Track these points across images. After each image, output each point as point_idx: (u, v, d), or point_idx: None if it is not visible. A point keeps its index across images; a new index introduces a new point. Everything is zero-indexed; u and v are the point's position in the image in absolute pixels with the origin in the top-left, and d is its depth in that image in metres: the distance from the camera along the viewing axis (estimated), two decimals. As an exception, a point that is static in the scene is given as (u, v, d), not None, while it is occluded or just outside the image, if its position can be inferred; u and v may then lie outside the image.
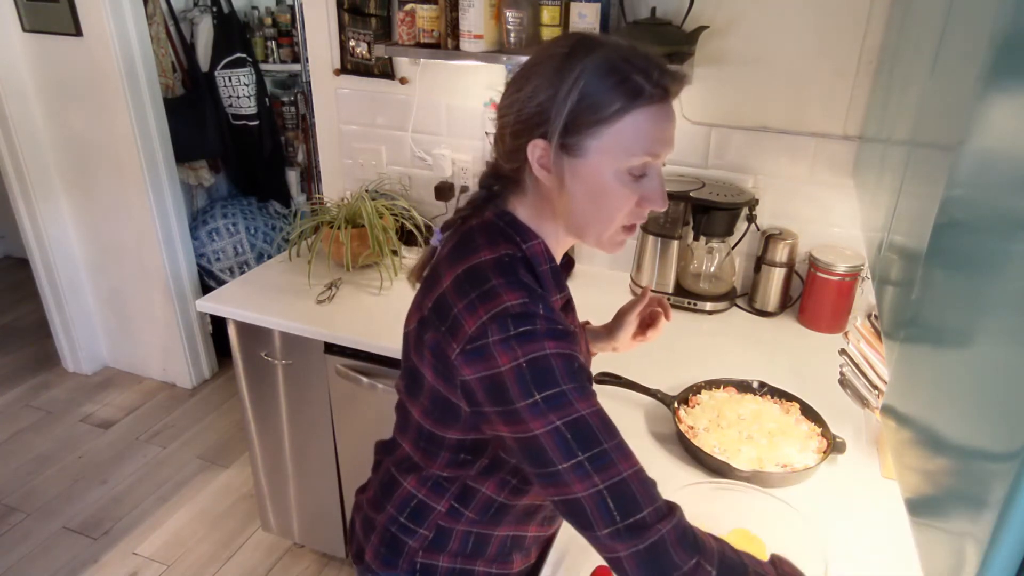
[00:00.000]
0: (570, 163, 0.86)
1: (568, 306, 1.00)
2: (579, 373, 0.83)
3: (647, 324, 1.28)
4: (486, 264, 0.88)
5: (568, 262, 1.09)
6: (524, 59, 0.92)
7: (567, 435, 0.80)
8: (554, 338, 0.82)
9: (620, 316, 1.27)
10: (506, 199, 0.96)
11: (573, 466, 0.80)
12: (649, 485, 0.84)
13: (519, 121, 0.87)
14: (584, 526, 0.83)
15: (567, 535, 1.22)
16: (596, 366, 1.52)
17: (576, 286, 2.01)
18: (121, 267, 3.15)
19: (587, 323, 1.31)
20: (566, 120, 0.83)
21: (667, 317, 1.25)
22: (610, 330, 1.27)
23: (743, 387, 1.54)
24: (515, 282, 0.86)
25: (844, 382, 1.44)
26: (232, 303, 1.97)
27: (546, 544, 1.21)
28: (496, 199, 0.96)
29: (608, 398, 1.31)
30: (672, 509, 0.84)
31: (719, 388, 1.55)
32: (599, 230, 0.92)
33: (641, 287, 2.00)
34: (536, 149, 0.87)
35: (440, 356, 0.88)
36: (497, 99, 1.13)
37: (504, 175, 0.95)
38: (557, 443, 0.80)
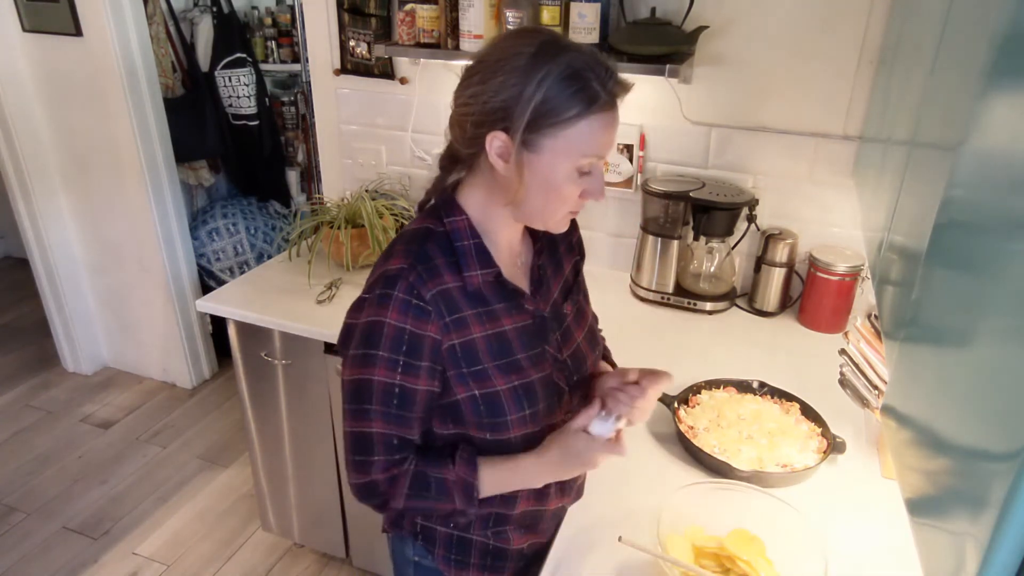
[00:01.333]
0: (528, 157, 0.93)
1: (500, 282, 1.04)
2: (407, 347, 0.96)
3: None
4: (406, 234, 1.04)
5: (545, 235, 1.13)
6: (483, 49, 0.97)
7: (353, 388, 1.00)
8: (399, 310, 0.95)
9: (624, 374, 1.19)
10: (461, 180, 1.05)
11: (348, 410, 1.01)
12: (388, 449, 1.01)
13: (483, 112, 0.92)
14: (345, 451, 1.05)
15: (564, 542, 1.22)
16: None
17: (576, 286, 2.01)
18: (121, 267, 3.15)
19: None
20: (528, 119, 0.90)
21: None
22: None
23: (743, 387, 1.54)
24: (409, 250, 0.99)
25: (844, 382, 1.44)
26: (232, 303, 1.97)
27: (553, 527, 1.24)
28: (451, 177, 1.06)
29: (608, 398, 1.31)
30: (398, 464, 1.03)
31: (719, 388, 1.55)
32: (545, 217, 1.01)
33: (643, 287, 2.00)
34: (496, 140, 0.93)
35: None
36: None
37: (460, 158, 1.03)
38: (348, 391, 1.01)
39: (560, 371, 1.10)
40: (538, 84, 0.88)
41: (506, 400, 1.03)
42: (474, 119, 0.94)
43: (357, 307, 1.00)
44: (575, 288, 1.20)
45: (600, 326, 1.34)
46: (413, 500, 1.04)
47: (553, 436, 1.04)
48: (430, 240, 1.00)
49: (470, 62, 0.97)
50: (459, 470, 1.02)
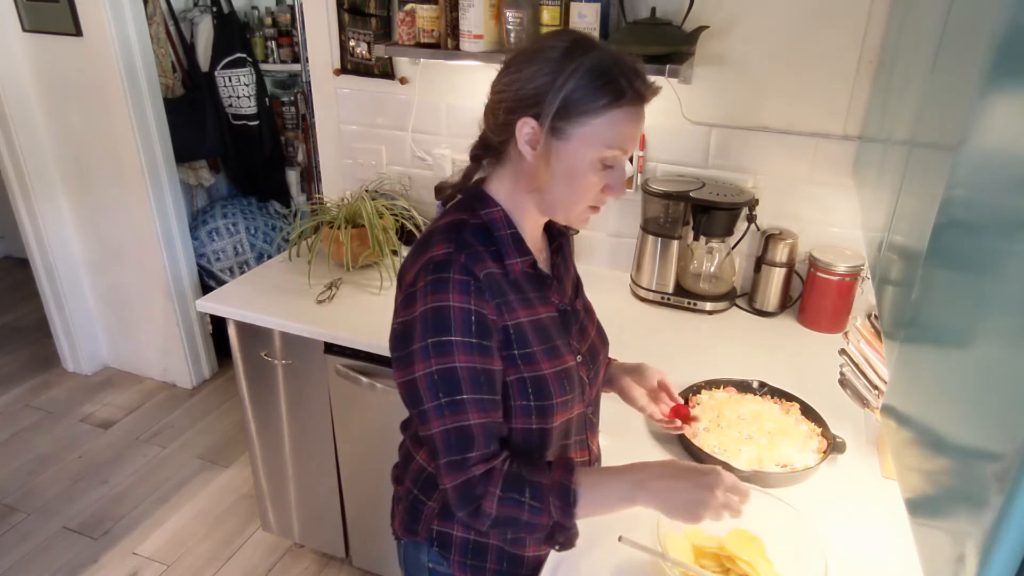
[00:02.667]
0: (555, 144, 0.96)
1: (536, 269, 1.07)
2: (477, 328, 0.95)
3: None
4: (439, 227, 1.03)
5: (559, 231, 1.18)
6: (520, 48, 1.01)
7: (436, 379, 0.95)
8: (460, 291, 0.95)
9: (633, 397, 1.29)
10: (489, 169, 1.07)
11: (433, 408, 0.96)
12: (489, 438, 0.98)
13: (516, 99, 0.96)
14: (434, 455, 0.99)
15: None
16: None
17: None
18: (121, 267, 3.15)
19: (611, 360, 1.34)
20: (558, 106, 0.93)
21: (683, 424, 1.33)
22: (635, 371, 1.32)
23: (743, 387, 1.54)
24: (449, 238, 0.99)
25: (844, 382, 1.44)
26: (232, 303, 1.97)
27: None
28: (480, 169, 1.07)
29: (608, 398, 1.31)
30: (495, 456, 0.98)
31: (719, 388, 1.55)
32: (567, 208, 1.02)
33: (643, 287, 2.00)
34: (525, 126, 0.96)
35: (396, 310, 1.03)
36: None
37: (491, 146, 1.04)
38: (428, 385, 0.96)
39: (582, 364, 1.13)
40: (569, 74, 0.92)
41: (552, 384, 1.03)
42: (507, 105, 0.97)
43: (407, 303, 0.97)
44: (580, 283, 1.24)
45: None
46: (506, 505, 0.97)
47: (677, 467, 1.01)
48: (466, 230, 1.01)
49: (509, 55, 1.01)
50: (556, 474, 0.98)
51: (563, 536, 1.00)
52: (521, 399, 1.02)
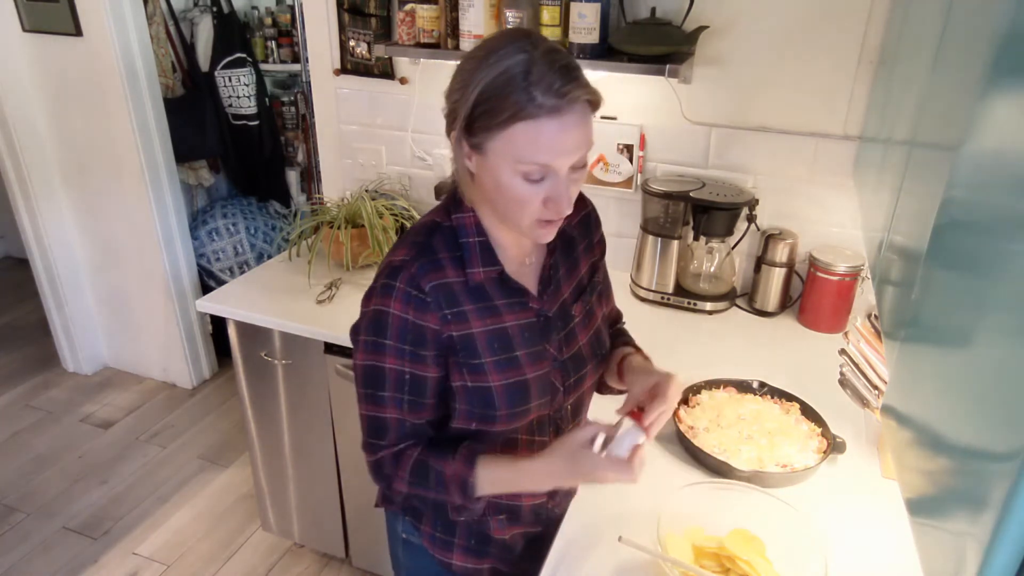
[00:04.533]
0: (478, 159, 0.96)
1: (503, 280, 1.05)
2: (412, 337, 1.00)
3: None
4: (417, 225, 1.07)
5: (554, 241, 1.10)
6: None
7: (365, 374, 1.04)
8: (402, 301, 0.99)
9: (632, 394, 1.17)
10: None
11: (362, 394, 1.05)
12: (402, 435, 1.06)
13: (446, 115, 0.98)
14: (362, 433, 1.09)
15: (564, 542, 1.22)
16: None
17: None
18: (121, 267, 3.15)
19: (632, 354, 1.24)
20: (464, 121, 0.93)
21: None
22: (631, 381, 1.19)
23: (743, 387, 1.54)
24: (415, 243, 1.02)
25: (844, 382, 1.44)
26: (232, 303, 1.97)
27: (546, 521, 1.24)
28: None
29: (609, 398, 1.31)
30: (402, 450, 1.07)
31: (719, 388, 1.55)
32: (515, 220, 0.99)
33: (643, 287, 2.00)
34: (454, 142, 0.97)
35: None
36: None
37: None
38: (360, 375, 1.05)
39: (558, 371, 1.11)
40: (475, 85, 0.90)
41: (498, 396, 1.04)
42: (446, 122, 0.99)
43: (366, 296, 1.04)
44: (589, 289, 1.18)
45: (624, 321, 1.37)
46: (415, 487, 1.06)
47: (560, 446, 1.01)
48: (436, 234, 1.03)
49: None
50: (457, 465, 1.03)
51: (466, 513, 1.11)
52: (464, 403, 1.05)
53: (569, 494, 1.29)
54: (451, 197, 1.06)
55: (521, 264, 1.09)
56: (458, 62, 0.97)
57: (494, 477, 1.05)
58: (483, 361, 1.03)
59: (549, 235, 1.01)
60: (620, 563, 1.15)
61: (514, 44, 0.91)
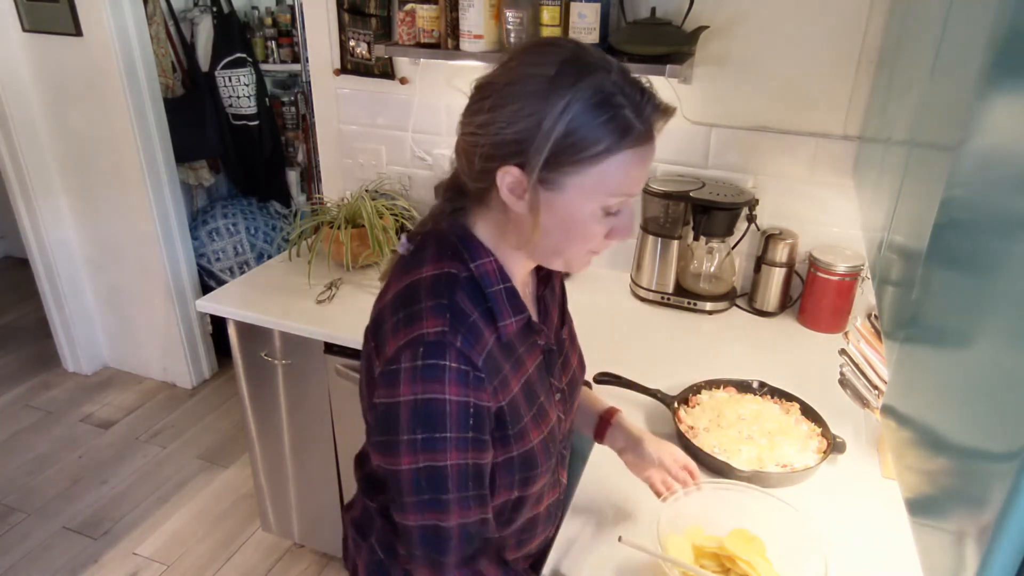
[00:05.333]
0: (546, 196, 0.81)
1: (529, 325, 0.95)
2: (475, 422, 0.84)
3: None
4: (424, 282, 0.87)
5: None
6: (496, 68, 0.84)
7: (424, 477, 0.84)
8: (458, 383, 0.82)
9: (647, 461, 1.17)
10: (468, 212, 0.92)
11: (412, 503, 0.86)
12: (467, 540, 0.88)
13: (493, 145, 0.80)
14: (404, 543, 0.90)
15: (564, 542, 1.22)
16: (597, 370, 1.52)
17: (574, 285, 2.01)
18: (121, 267, 3.15)
19: (617, 411, 1.24)
20: (547, 155, 0.78)
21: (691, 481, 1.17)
22: (635, 448, 1.17)
23: (743, 387, 1.54)
24: (441, 307, 0.84)
25: (844, 382, 1.44)
26: (232, 303, 1.97)
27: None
28: (458, 212, 0.92)
29: (608, 398, 1.31)
30: (476, 565, 0.90)
31: (719, 388, 1.55)
32: (567, 258, 0.90)
33: (643, 287, 2.00)
34: (508, 176, 0.81)
35: (368, 371, 0.90)
36: None
37: (466, 191, 0.90)
38: (412, 480, 0.85)
39: (560, 402, 1.04)
40: (560, 113, 0.76)
41: (539, 453, 0.95)
42: (483, 151, 0.82)
43: (389, 381, 0.84)
44: (566, 307, 1.15)
45: (594, 332, 1.33)
46: None
47: None
48: (458, 289, 0.86)
49: (479, 82, 0.84)
50: None
51: None
52: (507, 476, 0.93)
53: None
54: (462, 240, 0.90)
55: (524, 297, 0.98)
56: (476, 83, 0.83)
57: None
58: (525, 423, 0.92)
59: (587, 266, 0.92)
60: (620, 563, 1.15)
61: (580, 57, 0.79)
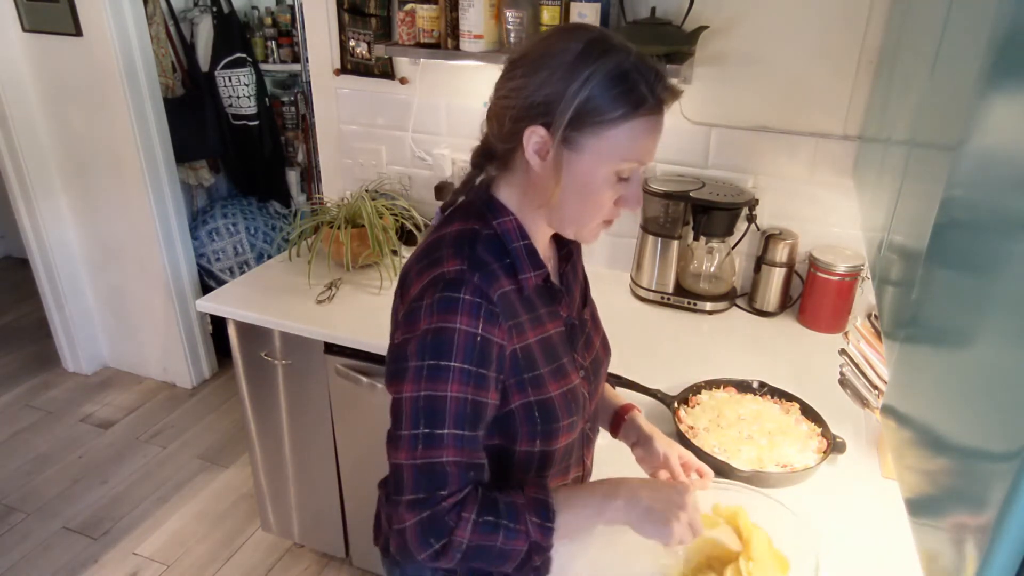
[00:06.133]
0: (567, 156, 0.89)
1: (548, 282, 1.01)
2: (479, 355, 0.89)
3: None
4: (448, 236, 0.96)
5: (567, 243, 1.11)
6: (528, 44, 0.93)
7: (417, 409, 0.89)
8: (470, 313, 0.88)
9: (655, 458, 1.17)
10: (494, 178, 1.00)
11: (407, 437, 0.89)
12: (458, 477, 0.90)
13: (524, 106, 0.89)
14: (395, 489, 0.91)
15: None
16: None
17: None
18: (121, 267, 3.15)
19: (633, 408, 1.25)
20: (571, 116, 0.86)
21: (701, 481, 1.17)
22: (645, 444, 1.19)
23: (743, 387, 1.54)
24: (462, 252, 0.92)
25: (844, 382, 1.44)
26: (232, 303, 1.97)
27: None
28: (484, 176, 1.01)
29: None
30: (466, 495, 0.91)
31: (719, 388, 1.55)
32: (579, 224, 0.96)
33: (643, 287, 2.00)
34: (534, 136, 0.89)
35: (396, 321, 0.98)
36: None
37: (495, 154, 0.98)
38: (410, 412, 0.89)
39: (584, 379, 1.07)
40: (584, 81, 0.85)
41: (559, 406, 0.99)
42: (514, 113, 0.90)
43: (410, 320, 0.91)
44: (589, 291, 1.19)
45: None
46: (479, 532, 0.89)
47: (649, 481, 1.01)
48: (479, 242, 0.94)
49: (512, 57, 0.93)
50: (530, 490, 0.94)
51: (540, 558, 0.93)
52: (527, 424, 0.97)
53: None
54: (484, 203, 0.98)
55: (550, 269, 1.05)
56: (511, 56, 0.92)
57: (570, 500, 0.96)
58: (542, 372, 0.97)
59: (598, 237, 0.99)
60: (620, 563, 1.15)
61: (605, 38, 0.88)
